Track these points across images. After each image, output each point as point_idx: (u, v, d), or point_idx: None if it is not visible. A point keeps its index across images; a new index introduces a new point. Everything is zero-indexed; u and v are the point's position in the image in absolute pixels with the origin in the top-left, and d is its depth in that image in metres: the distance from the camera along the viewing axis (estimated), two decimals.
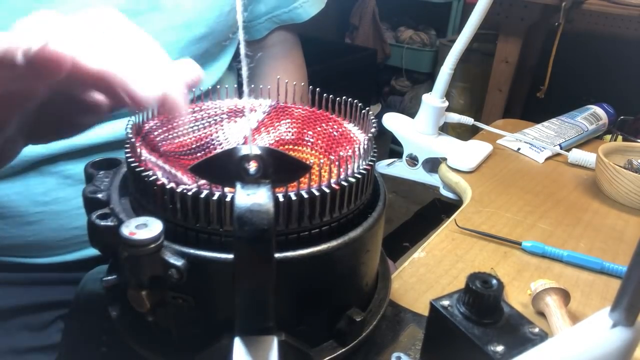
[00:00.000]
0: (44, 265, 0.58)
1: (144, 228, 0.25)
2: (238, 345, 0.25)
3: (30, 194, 0.53)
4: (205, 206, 0.27)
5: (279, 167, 0.25)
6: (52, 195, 0.54)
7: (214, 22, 0.58)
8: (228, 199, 0.26)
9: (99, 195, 0.32)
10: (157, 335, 0.30)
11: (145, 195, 0.29)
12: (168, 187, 0.28)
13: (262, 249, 0.24)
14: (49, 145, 0.52)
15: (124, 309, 0.33)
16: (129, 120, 0.33)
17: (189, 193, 0.27)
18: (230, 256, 0.26)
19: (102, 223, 0.29)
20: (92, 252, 0.43)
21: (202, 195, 0.27)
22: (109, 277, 0.31)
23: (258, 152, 0.24)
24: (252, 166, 0.24)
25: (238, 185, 0.24)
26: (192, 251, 0.27)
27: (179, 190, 0.27)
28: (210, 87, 0.40)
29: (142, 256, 0.25)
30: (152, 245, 0.25)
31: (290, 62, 0.75)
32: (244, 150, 0.24)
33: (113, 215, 0.30)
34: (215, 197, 0.27)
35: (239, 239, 0.23)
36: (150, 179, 0.28)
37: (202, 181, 0.28)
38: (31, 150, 0.51)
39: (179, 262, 0.26)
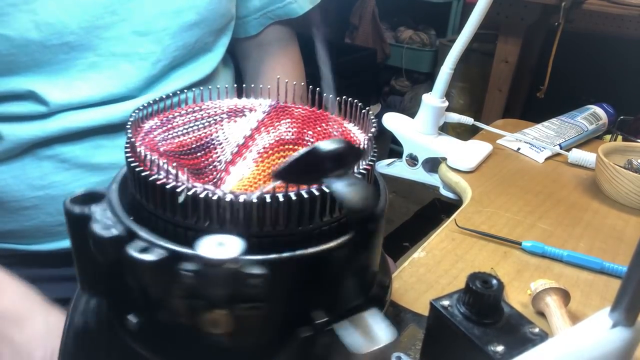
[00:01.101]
0: (42, 253, 0.57)
1: (221, 246, 0.24)
2: (344, 327, 0.27)
3: (26, 178, 0.53)
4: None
5: (352, 155, 0.27)
6: (48, 179, 0.54)
7: (204, 10, 0.58)
8: (268, 199, 0.26)
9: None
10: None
11: (145, 195, 0.29)
12: (168, 187, 0.28)
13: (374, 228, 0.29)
14: (44, 127, 0.52)
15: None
16: (129, 118, 0.33)
17: (190, 193, 0.27)
18: (308, 251, 0.27)
19: (147, 258, 0.25)
20: None
21: (215, 198, 0.26)
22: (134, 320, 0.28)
23: (336, 145, 0.25)
24: (334, 160, 0.25)
25: (330, 181, 0.25)
26: (273, 256, 0.26)
27: (178, 190, 0.27)
28: (206, 76, 0.39)
29: (224, 274, 0.24)
30: (233, 263, 0.24)
31: (288, 59, 0.75)
32: (325, 146, 0.25)
33: (152, 246, 0.26)
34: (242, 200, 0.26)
35: (354, 223, 0.27)
36: (150, 179, 0.28)
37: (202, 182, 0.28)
38: (26, 134, 0.51)
39: (261, 270, 0.25)
